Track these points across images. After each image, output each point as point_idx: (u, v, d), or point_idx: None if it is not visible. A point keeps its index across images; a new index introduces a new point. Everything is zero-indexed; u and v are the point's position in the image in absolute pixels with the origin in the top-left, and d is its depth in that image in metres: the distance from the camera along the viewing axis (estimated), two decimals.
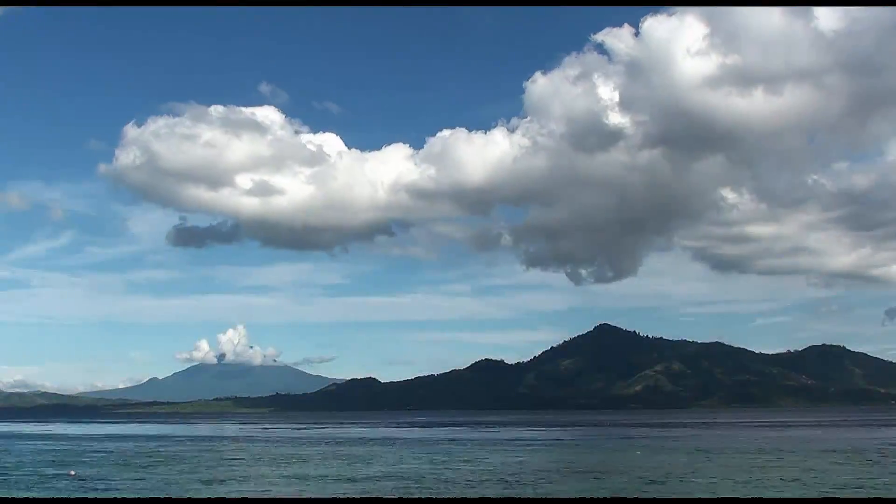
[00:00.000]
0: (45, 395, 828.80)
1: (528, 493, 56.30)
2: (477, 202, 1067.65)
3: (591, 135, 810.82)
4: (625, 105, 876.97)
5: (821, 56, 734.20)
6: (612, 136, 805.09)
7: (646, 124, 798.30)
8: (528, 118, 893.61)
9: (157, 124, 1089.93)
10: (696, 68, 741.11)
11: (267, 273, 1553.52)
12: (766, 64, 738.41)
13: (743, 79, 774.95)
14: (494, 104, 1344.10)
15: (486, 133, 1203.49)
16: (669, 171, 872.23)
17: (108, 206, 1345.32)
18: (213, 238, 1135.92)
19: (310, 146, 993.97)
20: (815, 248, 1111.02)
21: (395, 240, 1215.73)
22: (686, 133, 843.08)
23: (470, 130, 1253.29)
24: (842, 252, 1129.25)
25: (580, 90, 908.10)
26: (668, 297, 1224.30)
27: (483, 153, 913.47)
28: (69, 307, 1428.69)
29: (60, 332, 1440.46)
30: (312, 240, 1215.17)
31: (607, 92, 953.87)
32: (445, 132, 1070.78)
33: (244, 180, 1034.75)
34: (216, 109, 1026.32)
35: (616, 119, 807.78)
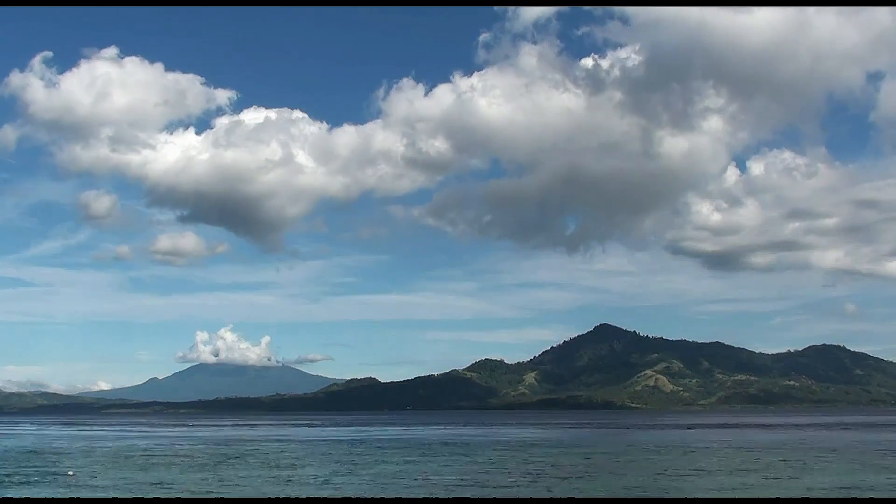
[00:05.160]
0: (45, 395, 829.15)
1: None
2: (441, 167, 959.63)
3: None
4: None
5: None
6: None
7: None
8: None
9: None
10: None
11: (267, 271, 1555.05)
12: None
13: None
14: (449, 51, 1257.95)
15: (433, 88, 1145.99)
16: (657, 122, 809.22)
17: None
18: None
19: (252, 114, 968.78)
20: (814, 244, 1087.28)
21: (366, 220, 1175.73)
22: (678, 67, 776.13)
23: (426, 84, 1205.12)
24: (841, 249, 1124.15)
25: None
26: (669, 296, 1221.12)
27: (439, 108, 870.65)
28: (67, 306, 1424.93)
29: (60, 331, 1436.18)
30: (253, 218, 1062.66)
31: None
32: (397, 89, 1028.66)
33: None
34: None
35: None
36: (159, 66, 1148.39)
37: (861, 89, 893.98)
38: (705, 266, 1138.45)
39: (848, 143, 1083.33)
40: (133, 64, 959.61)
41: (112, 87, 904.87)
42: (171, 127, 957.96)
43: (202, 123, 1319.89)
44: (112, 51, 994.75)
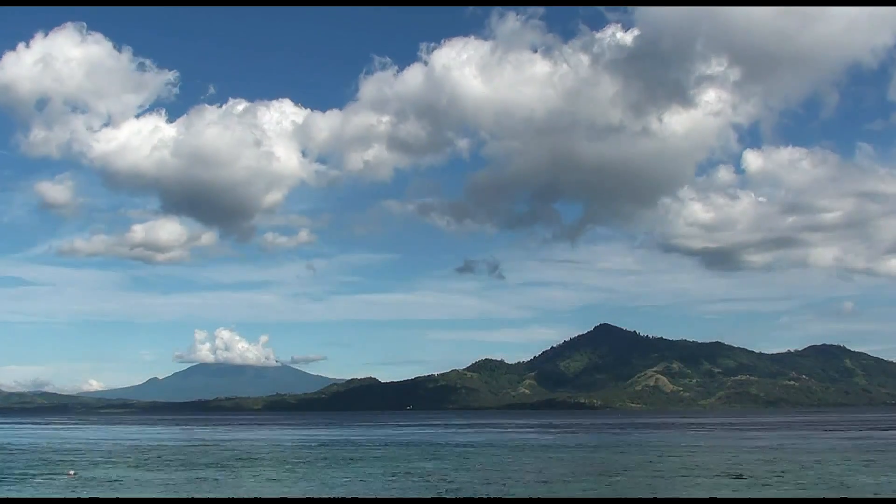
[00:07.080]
0: (45, 394, 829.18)
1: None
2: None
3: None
4: None
5: None
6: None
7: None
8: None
9: None
10: None
11: (266, 270, 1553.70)
12: None
13: None
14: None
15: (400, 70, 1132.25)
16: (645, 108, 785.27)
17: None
18: None
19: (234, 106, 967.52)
20: (814, 241, 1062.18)
21: (362, 218, 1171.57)
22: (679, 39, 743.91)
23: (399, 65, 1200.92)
24: (842, 247, 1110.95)
25: None
26: (669, 295, 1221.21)
27: (418, 88, 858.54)
28: (67, 306, 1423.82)
29: (60, 331, 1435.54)
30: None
31: None
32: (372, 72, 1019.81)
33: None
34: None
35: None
36: (128, 51, 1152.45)
37: (887, 52, 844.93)
38: (703, 264, 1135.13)
39: (858, 129, 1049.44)
40: (108, 50, 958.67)
41: (79, 69, 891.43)
42: (142, 113, 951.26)
43: (178, 110, 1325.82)
44: (80, 31, 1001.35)
